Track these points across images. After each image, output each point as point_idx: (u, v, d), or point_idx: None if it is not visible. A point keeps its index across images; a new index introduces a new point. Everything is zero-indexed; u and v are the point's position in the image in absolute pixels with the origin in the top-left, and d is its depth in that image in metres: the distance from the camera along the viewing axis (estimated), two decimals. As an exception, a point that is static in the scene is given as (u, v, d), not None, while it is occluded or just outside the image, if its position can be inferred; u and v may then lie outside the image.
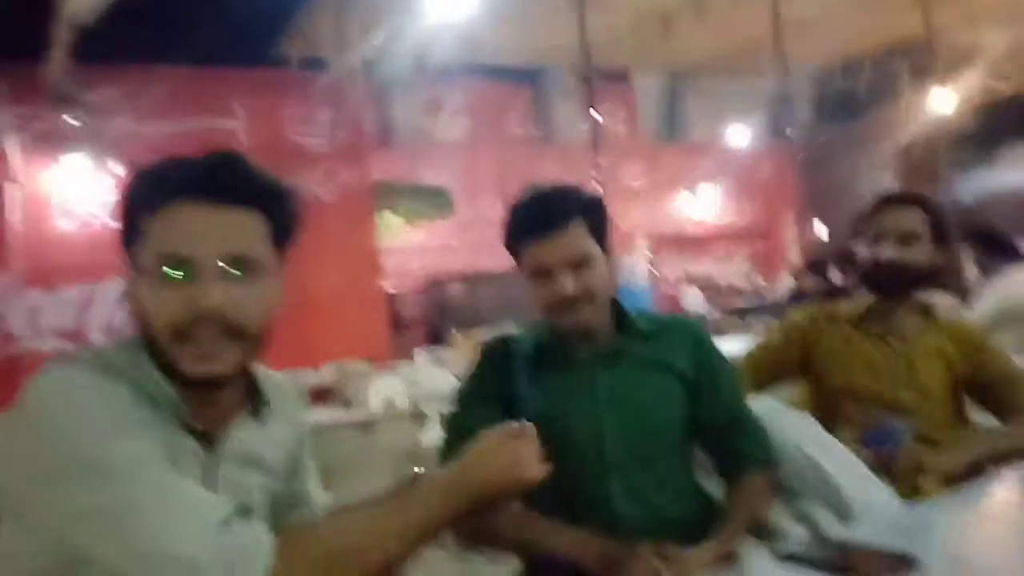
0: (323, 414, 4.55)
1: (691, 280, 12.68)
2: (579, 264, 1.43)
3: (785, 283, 11.38)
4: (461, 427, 1.46)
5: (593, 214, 1.48)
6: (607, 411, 1.45)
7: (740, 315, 10.26)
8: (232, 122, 8.29)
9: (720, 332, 10.44)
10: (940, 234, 1.89)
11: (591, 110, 7.67)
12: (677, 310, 12.32)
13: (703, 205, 13.26)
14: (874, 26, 10.88)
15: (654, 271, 12.22)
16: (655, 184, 12.77)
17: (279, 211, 1.03)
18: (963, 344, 1.88)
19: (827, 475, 1.58)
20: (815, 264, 7.03)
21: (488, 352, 1.58)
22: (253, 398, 1.10)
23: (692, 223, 13.18)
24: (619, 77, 12.22)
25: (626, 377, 1.50)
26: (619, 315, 1.53)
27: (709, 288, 12.68)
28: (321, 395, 6.23)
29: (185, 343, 0.95)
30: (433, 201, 8.86)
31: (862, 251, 1.91)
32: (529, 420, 1.45)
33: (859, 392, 1.84)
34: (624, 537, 1.37)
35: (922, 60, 11.90)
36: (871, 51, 12.64)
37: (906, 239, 1.85)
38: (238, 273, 0.97)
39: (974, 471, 1.70)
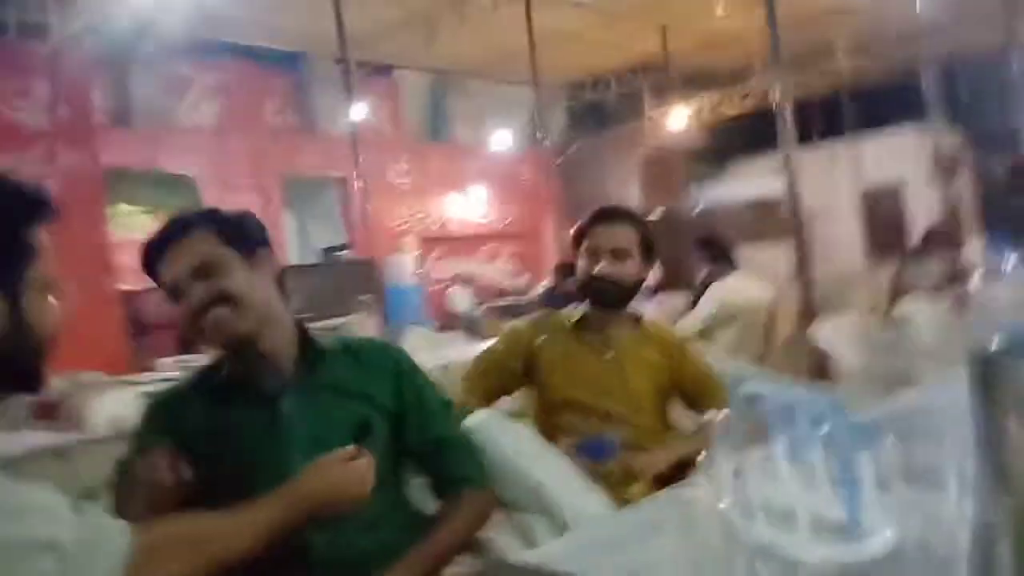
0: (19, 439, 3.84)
1: (458, 280, 12.81)
2: (204, 272, 1.29)
3: (543, 284, 11.89)
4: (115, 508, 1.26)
5: (224, 223, 1.34)
6: (296, 451, 1.28)
7: (504, 314, 10.53)
8: (-75, 91, 7.07)
9: (487, 333, 10.68)
10: (648, 249, 1.98)
11: (352, 103, 7.46)
12: (444, 310, 12.42)
13: (468, 207, 13.48)
14: (618, 45, 11.72)
15: (422, 271, 12.19)
16: (421, 184, 12.77)
17: None
18: (666, 351, 1.97)
19: (541, 487, 1.57)
20: (566, 265, 7.34)
21: (147, 416, 1.38)
22: None
23: (458, 224, 13.35)
24: (384, 72, 12.06)
25: (318, 411, 1.34)
26: (305, 342, 1.39)
27: (475, 287, 12.90)
28: (47, 410, 5.44)
29: None
30: (176, 191, 8.13)
31: (580, 264, 1.96)
32: (205, 473, 1.25)
33: (576, 403, 1.89)
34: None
35: (661, 80, 13.02)
36: (616, 68, 13.63)
37: (618, 254, 1.92)
38: None
39: (679, 471, 1.78)
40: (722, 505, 0.85)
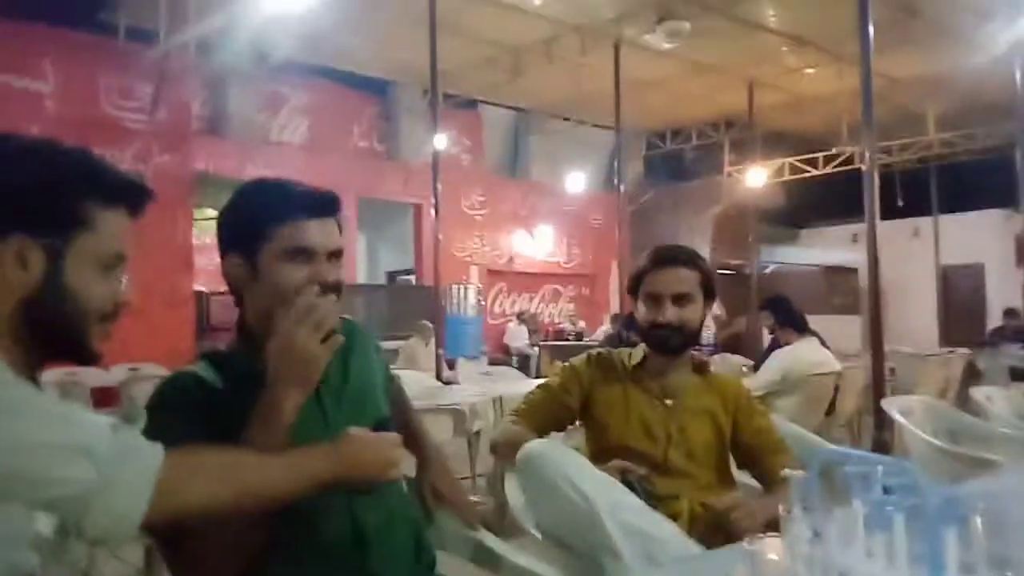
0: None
1: (519, 317, 12.83)
2: (338, 256, 1.32)
3: (603, 328, 11.80)
4: None
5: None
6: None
7: (557, 355, 10.50)
8: (41, 84, 7.51)
9: (539, 372, 10.66)
10: (709, 291, 1.90)
11: (436, 133, 7.63)
12: (501, 344, 12.45)
13: (537, 244, 13.55)
14: (702, 98, 11.71)
15: (483, 303, 12.27)
16: (493, 218, 12.90)
17: None
18: (731, 402, 1.89)
19: (602, 515, 1.50)
20: (622, 315, 7.28)
21: (170, 392, 1.30)
22: None
23: (524, 261, 13.41)
24: (468, 105, 12.30)
25: (351, 403, 1.36)
26: None
27: (534, 326, 12.90)
28: (106, 397, 5.62)
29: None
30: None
31: (641, 310, 1.89)
32: None
33: (630, 450, 1.79)
34: (376, 556, 1.31)
35: (742, 136, 12.93)
36: (698, 121, 13.60)
37: (681, 299, 1.85)
38: None
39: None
40: (796, 567, 0.83)
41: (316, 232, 1.29)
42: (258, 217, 1.29)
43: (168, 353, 7.05)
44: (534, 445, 1.68)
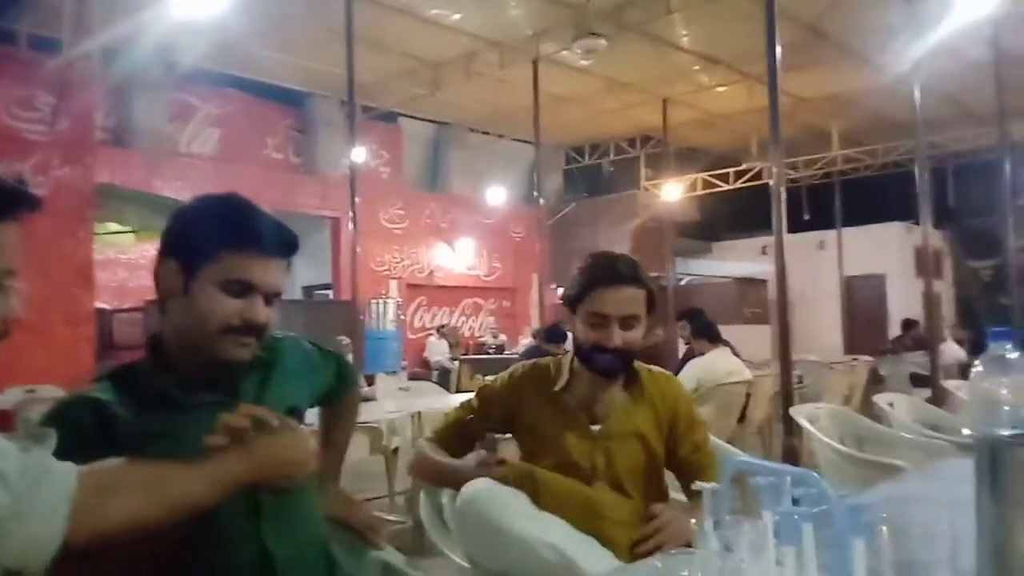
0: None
1: (439, 331, 12.75)
2: (277, 296, 1.28)
3: (524, 342, 11.83)
4: None
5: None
6: None
7: (478, 369, 10.48)
8: (-67, 93, 7.07)
9: (460, 387, 10.58)
10: (652, 307, 1.72)
11: (354, 146, 7.52)
12: (421, 358, 12.33)
13: (457, 257, 13.51)
14: (619, 114, 11.94)
15: (403, 317, 12.14)
16: (413, 231, 12.81)
17: None
18: (666, 413, 1.76)
19: (557, 547, 1.46)
20: (555, 327, 7.30)
21: (58, 419, 1.19)
22: None
23: (444, 274, 13.35)
24: (387, 118, 12.20)
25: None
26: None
27: (454, 339, 12.84)
28: (1, 421, 5.29)
29: None
30: (165, 214, 8.06)
31: (580, 329, 1.70)
32: None
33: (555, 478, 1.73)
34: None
35: (658, 151, 13.25)
36: (615, 136, 13.87)
37: (629, 322, 1.67)
38: None
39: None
40: (709, 581, 0.83)
41: (264, 271, 1.24)
42: (214, 233, 1.22)
43: (68, 374, 6.70)
44: (478, 488, 1.57)
